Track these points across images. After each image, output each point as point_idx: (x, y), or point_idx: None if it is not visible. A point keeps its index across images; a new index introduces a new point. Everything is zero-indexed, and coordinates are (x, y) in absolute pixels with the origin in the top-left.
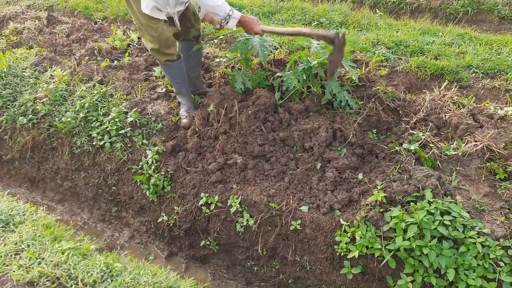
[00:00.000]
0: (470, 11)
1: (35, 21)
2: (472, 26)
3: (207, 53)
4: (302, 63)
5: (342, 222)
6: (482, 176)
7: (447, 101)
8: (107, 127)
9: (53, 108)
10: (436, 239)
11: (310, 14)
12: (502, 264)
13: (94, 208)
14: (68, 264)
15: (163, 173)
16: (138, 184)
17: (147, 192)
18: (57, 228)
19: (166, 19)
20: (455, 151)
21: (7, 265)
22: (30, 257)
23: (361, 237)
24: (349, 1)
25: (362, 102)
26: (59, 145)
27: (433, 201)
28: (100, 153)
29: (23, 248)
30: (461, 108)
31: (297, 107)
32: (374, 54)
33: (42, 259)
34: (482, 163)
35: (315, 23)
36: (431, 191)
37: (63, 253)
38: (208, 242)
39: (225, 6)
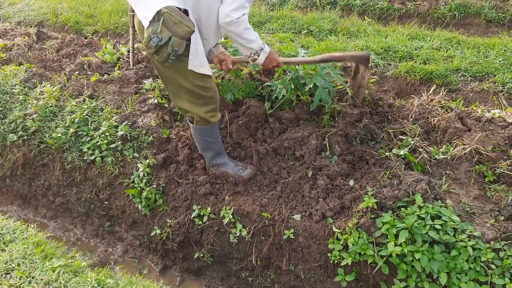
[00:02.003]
0: (457, 15)
1: (24, 38)
2: (460, 30)
3: None
4: (290, 72)
5: (334, 229)
6: (471, 179)
7: (435, 105)
8: (97, 142)
9: (43, 124)
10: (428, 243)
11: (299, 22)
12: (493, 266)
13: (87, 223)
14: (59, 282)
15: (154, 186)
16: (130, 198)
17: (139, 206)
18: (48, 245)
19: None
20: (444, 155)
21: None
22: (21, 276)
23: (353, 244)
24: (338, 9)
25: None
26: (50, 161)
27: (424, 205)
28: (91, 168)
29: (14, 267)
30: (449, 112)
31: (287, 116)
32: None
33: (33, 277)
34: (471, 166)
35: (305, 31)
36: (421, 196)
37: (53, 271)
38: (202, 254)
39: (259, 40)
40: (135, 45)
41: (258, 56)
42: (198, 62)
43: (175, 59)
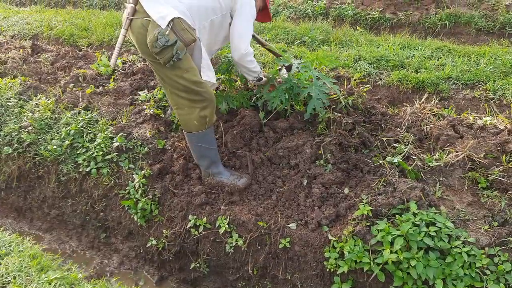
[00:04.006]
0: (448, 24)
1: (19, 51)
2: (450, 38)
3: None
4: (284, 82)
5: (330, 237)
6: (465, 185)
7: (428, 113)
8: (93, 153)
9: (39, 137)
10: (423, 250)
11: (292, 33)
12: (488, 272)
13: (83, 235)
14: None
15: (150, 196)
16: (126, 209)
17: (135, 217)
18: (44, 258)
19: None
20: (437, 162)
21: None
22: None
23: (349, 252)
24: (330, 19)
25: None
26: (45, 173)
27: (418, 212)
28: (86, 179)
29: (10, 281)
30: (441, 120)
31: (281, 125)
32: (356, 70)
33: None
34: (464, 173)
35: (298, 41)
36: (415, 203)
37: (50, 284)
38: (198, 265)
39: (259, 68)
40: (130, 57)
41: (260, 80)
42: (211, 74)
43: (176, 61)
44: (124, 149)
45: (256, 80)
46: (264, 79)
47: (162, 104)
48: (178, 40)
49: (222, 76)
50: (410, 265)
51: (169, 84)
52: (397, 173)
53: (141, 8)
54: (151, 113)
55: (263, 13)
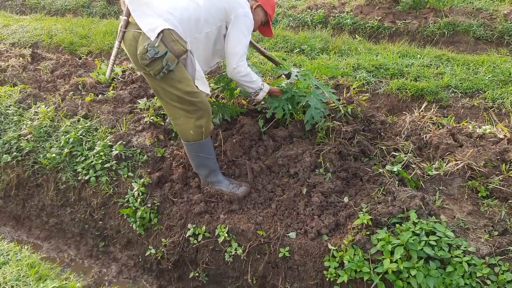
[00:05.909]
0: (446, 33)
1: (19, 59)
2: (449, 47)
3: None
4: (285, 92)
5: (330, 246)
6: (464, 194)
7: (427, 122)
8: (92, 161)
9: (38, 145)
10: (423, 259)
11: (291, 41)
12: (489, 282)
13: (81, 244)
14: None
15: (149, 205)
16: (125, 217)
17: (134, 225)
18: (42, 267)
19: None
20: (437, 170)
21: None
22: None
23: (349, 261)
24: (329, 27)
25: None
26: (44, 181)
27: (418, 221)
28: (85, 187)
29: None
30: (440, 128)
31: (281, 133)
32: (355, 78)
33: None
34: (464, 182)
35: (297, 50)
36: (415, 212)
37: None
38: (197, 274)
39: (259, 81)
40: (130, 65)
41: (258, 94)
42: (205, 85)
43: (166, 72)
44: (123, 157)
45: (255, 94)
46: (263, 93)
47: (162, 112)
48: (168, 51)
49: (221, 84)
50: (411, 274)
51: (163, 94)
52: (397, 182)
53: (133, 21)
54: (151, 121)
55: (265, 28)
